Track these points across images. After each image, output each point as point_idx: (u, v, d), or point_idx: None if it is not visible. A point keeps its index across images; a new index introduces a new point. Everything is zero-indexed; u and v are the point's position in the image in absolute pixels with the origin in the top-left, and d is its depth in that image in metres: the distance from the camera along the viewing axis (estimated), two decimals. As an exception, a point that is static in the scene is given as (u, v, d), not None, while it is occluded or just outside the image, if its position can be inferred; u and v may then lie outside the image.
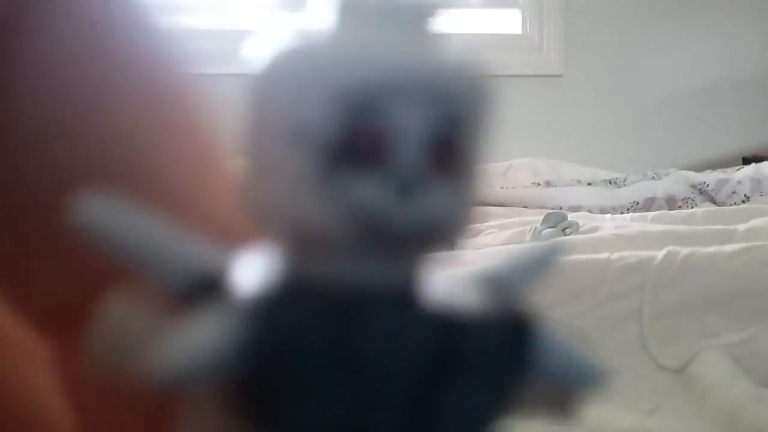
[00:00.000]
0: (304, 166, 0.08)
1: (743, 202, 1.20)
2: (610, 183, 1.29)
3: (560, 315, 0.51)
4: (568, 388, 0.10)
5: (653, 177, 1.30)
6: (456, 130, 0.08)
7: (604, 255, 0.55)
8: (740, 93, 2.11)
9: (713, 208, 1.10)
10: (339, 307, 0.08)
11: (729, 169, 1.33)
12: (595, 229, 0.83)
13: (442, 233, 0.09)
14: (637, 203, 1.25)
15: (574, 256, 0.57)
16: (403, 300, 0.09)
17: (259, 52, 0.09)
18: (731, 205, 1.20)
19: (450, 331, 0.09)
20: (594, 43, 2.03)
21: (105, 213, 0.09)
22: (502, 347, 0.09)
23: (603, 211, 1.18)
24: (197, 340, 0.08)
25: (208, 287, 0.09)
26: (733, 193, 1.23)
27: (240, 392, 0.09)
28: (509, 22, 1.97)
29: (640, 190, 1.27)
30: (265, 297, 0.09)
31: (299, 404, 0.08)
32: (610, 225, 0.85)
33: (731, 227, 0.73)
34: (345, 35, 0.08)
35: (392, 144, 0.08)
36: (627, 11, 2.06)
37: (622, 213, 1.15)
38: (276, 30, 0.08)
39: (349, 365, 0.08)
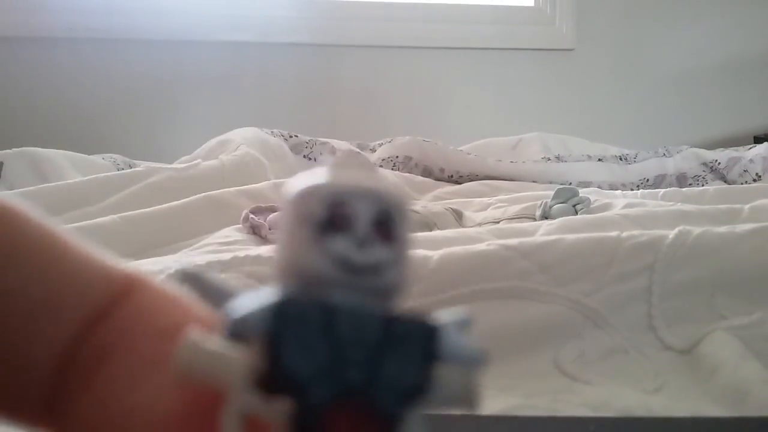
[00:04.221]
0: (309, 234, 0.15)
1: (755, 180, 1.19)
2: (620, 159, 1.28)
3: (568, 293, 0.51)
4: (466, 374, 0.16)
5: (664, 154, 1.29)
6: (387, 218, 0.16)
7: (614, 233, 0.55)
8: (753, 71, 2.08)
9: (725, 186, 1.09)
10: (328, 307, 0.15)
11: (741, 148, 1.32)
12: (607, 205, 0.82)
13: (385, 271, 0.16)
14: (648, 180, 1.24)
15: (584, 234, 0.56)
16: (364, 307, 0.15)
17: (295, 185, 0.16)
18: (742, 183, 1.19)
19: (390, 325, 0.15)
20: (607, 18, 2.01)
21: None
22: (420, 337, 0.16)
23: (613, 187, 1.17)
24: (252, 305, 0.15)
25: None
26: (745, 171, 1.22)
27: (264, 346, 0.15)
28: (522, -7, 1.94)
29: (650, 166, 1.26)
30: (288, 294, 0.15)
31: (297, 354, 0.14)
32: (621, 201, 0.84)
33: (737, 206, 0.72)
34: (332, 176, 0.16)
35: (354, 221, 0.15)
36: (641, -15, 2.03)
37: (632, 189, 1.14)
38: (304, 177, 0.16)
39: (331, 338, 0.15)
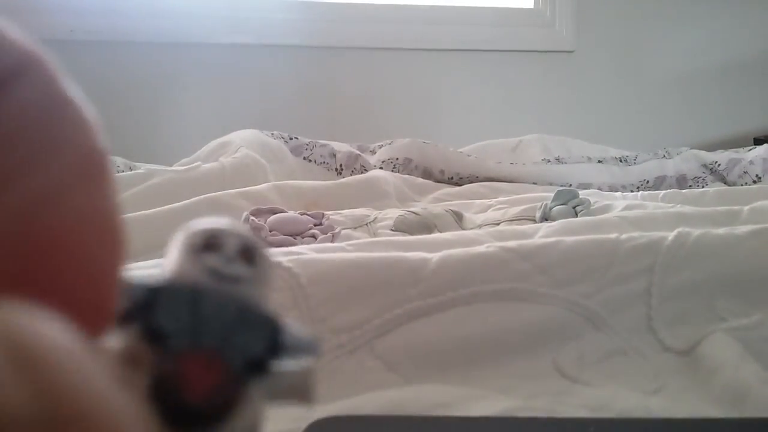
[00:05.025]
0: (189, 255, 0.19)
1: (755, 182, 1.20)
2: (620, 161, 1.28)
3: (567, 294, 0.51)
4: (305, 371, 0.19)
5: (664, 156, 1.29)
6: (249, 250, 0.20)
7: (613, 235, 0.55)
8: (753, 73, 2.08)
9: (725, 188, 1.09)
10: (196, 292, 0.19)
11: (741, 149, 1.32)
12: (607, 207, 0.82)
13: (245, 285, 0.20)
14: (648, 182, 1.24)
15: (583, 236, 0.56)
16: (225, 299, 0.19)
17: (182, 229, 0.20)
18: (743, 185, 1.19)
19: (243, 313, 0.19)
20: (607, 20, 2.01)
21: None
22: (267, 323, 0.19)
23: (612, 189, 1.17)
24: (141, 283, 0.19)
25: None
26: (745, 173, 1.23)
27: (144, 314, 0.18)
28: (522, -5, 1.95)
29: (650, 168, 1.26)
30: (167, 280, 0.19)
31: (164, 317, 0.18)
32: (621, 203, 0.84)
33: (736, 208, 0.72)
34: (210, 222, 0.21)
35: (223, 246, 0.20)
36: (642, -13, 2.03)
37: (632, 191, 1.14)
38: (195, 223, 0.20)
39: (194, 311, 0.19)
